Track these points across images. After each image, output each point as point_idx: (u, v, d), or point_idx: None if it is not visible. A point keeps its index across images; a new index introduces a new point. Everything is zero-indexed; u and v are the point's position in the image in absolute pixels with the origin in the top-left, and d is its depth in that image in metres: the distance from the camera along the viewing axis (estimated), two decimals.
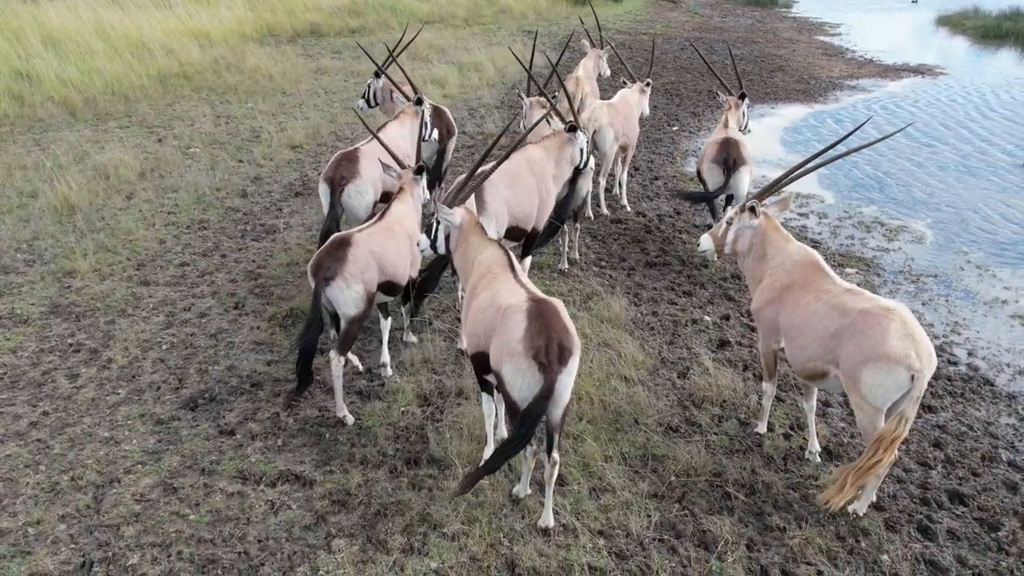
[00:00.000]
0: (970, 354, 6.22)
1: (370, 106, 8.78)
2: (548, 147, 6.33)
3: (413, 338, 5.98)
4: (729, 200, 7.30)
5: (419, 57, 15.37)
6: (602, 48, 10.80)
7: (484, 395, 4.48)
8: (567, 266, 7.30)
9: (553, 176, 6.29)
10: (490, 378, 4.26)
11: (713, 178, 7.24)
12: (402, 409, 5.14)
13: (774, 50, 18.28)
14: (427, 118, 7.28)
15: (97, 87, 12.70)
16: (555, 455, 4.01)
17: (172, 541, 4.04)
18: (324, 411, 5.13)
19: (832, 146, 4.84)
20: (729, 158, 7.12)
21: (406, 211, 5.45)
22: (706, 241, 5.02)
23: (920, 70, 17.27)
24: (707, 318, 6.50)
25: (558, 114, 6.73)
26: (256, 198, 8.77)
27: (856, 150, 5.00)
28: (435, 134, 7.65)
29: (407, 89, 7.80)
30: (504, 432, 4.82)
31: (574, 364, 3.82)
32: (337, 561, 3.92)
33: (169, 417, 5.03)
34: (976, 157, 11.31)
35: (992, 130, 12.71)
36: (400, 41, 9.00)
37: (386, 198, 6.45)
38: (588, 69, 10.27)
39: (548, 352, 3.70)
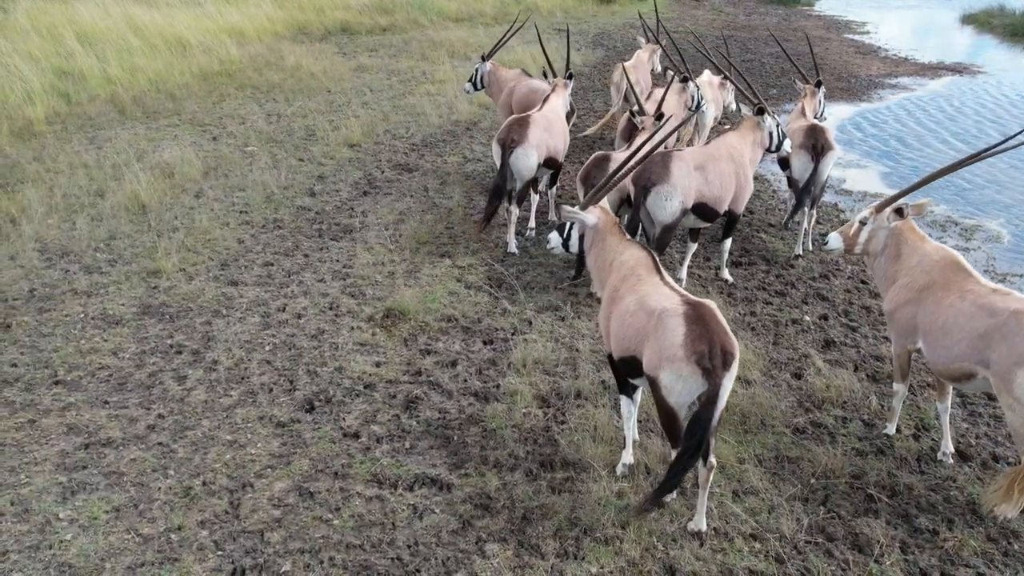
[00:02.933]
0: None
1: (476, 89, 9.64)
2: (743, 133, 6.66)
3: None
4: (807, 188, 7.24)
5: (457, 55, 15.31)
6: (657, 42, 10.93)
7: (623, 398, 4.42)
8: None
9: (750, 160, 6.66)
10: (638, 382, 4.21)
11: (801, 164, 7.23)
12: (523, 411, 5.07)
13: (806, 47, 18.18)
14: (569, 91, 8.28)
15: (141, 85, 12.61)
16: (712, 460, 3.95)
17: (320, 547, 3.97)
18: (444, 413, 5.07)
19: (980, 153, 4.71)
20: (817, 143, 7.14)
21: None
22: (835, 240, 4.95)
23: (957, 68, 17.20)
24: (807, 318, 6.44)
25: (746, 99, 7.20)
26: (324, 197, 8.69)
27: (988, 154, 4.87)
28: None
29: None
30: (637, 434, 4.77)
31: (735, 367, 3.77)
32: (494, 566, 3.86)
33: (289, 420, 4.96)
34: None
35: None
36: (510, 31, 9.91)
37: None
38: (642, 60, 10.71)
39: (712, 357, 3.65)
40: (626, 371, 4.18)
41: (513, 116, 7.43)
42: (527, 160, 7.06)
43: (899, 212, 4.71)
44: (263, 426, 4.90)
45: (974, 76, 16.52)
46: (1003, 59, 19.14)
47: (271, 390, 5.27)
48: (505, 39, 9.79)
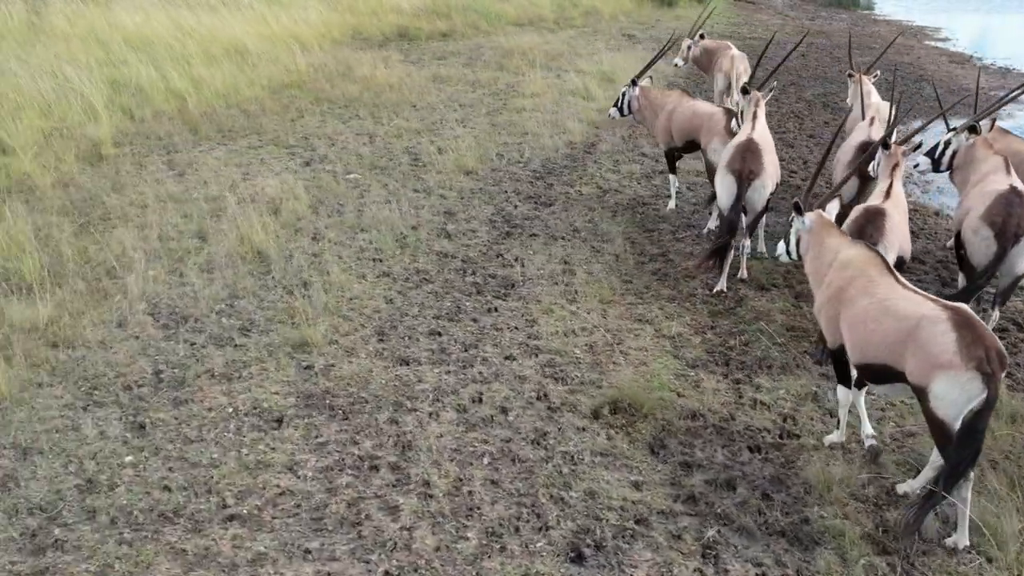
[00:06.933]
0: None
1: (623, 115, 8.57)
2: None
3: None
4: None
5: (539, 64, 13.98)
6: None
7: (842, 387, 4.54)
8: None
9: None
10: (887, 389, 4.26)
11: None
12: (862, 562, 3.83)
13: (898, 57, 17.02)
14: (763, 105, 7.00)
15: (207, 98, 11.29)
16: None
17: None
18: (759, 564, 3.82)
19: None
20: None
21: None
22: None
23: None
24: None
25: None
26: (462, 239, 7.43)
27: None
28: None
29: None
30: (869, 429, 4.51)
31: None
32: None
33: None
34: None
35: None
36: (662, 49, 9.18)
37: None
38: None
39: (989, 361, 3.63)
40: (873, 378, 4.20)
41: (740, 142, 6.48)
42: (763, 192, 6.47)
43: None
44: None
45: None
46: None
47: (517, 529, 4.02)
48: (655, 60, 8.66)
